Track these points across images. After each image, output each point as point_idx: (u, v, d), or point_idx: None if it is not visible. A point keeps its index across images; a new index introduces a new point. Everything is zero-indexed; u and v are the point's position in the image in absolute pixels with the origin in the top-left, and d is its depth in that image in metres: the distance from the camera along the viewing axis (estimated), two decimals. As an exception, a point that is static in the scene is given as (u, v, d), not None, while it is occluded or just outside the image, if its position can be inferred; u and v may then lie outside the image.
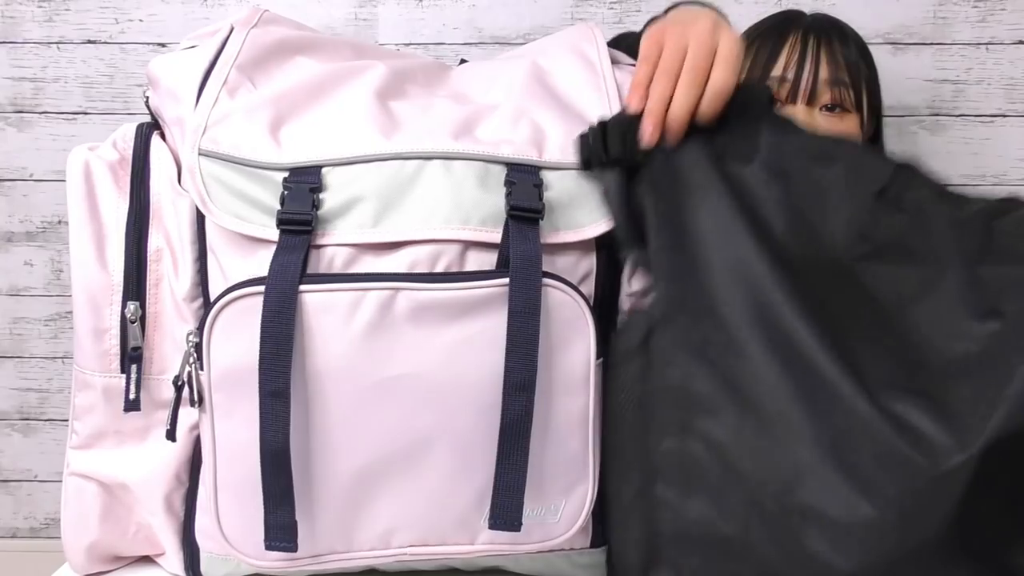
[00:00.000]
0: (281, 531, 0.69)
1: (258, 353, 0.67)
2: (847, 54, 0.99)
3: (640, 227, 0.73)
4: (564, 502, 0.74)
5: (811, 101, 0.97)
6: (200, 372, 0.71)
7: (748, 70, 0.99)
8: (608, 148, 0.72)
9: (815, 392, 0.64)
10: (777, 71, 0.98)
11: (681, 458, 0.67)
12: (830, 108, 0.98)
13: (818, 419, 0.63)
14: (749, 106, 0.72)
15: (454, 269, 0.71)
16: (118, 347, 0.78)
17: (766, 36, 1.00)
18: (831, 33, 1.00)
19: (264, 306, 0.67)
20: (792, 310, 0.65)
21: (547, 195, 0.73)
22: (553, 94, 0.80)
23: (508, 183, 0.73)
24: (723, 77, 0.71)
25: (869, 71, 1.02)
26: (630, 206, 0.73)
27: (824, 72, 0.97)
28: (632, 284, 0.76)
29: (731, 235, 0.68)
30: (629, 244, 0.73)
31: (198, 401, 0.72)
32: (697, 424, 0.67)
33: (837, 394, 0.63)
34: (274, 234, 0.70)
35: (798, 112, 0.96)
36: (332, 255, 0.70)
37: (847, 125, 0.99)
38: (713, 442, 0.66)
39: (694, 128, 0.72)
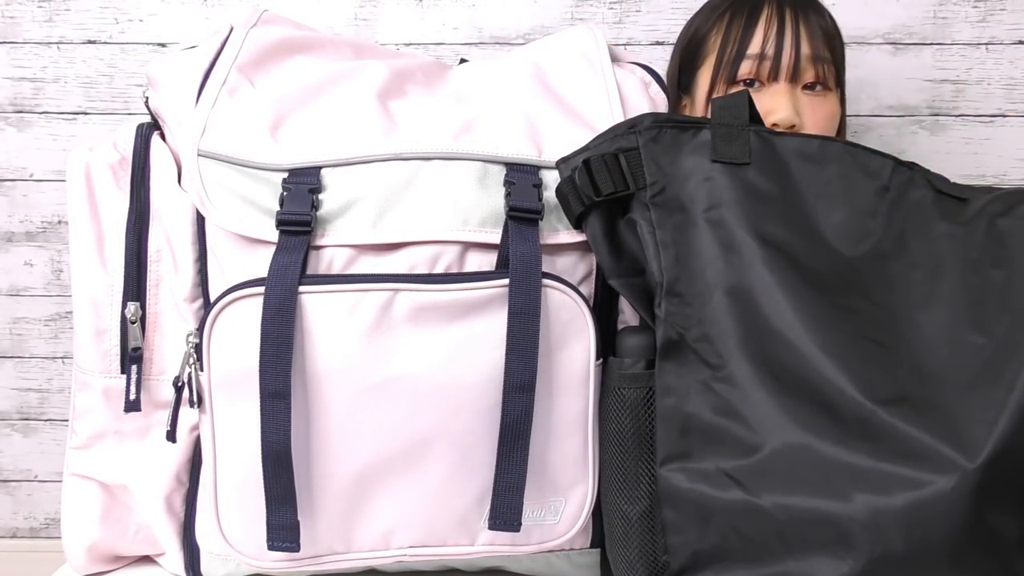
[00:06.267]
0: (283, 531, 0.69)
1: (258, 354, 0.67)
2: (824, 26, 0.92)
3: (629, 258, 0.72)
4: (564, 502, 0.74)
5: (794, 79, 0.90)
6: (200, 373, 0.71)
7: (721, 48, 0.91)
8: (597, 185, 0.70)
9: (816, 418, 0.64)
10: (755, 48, 0.90)
11: (685, 485, 0.67)
12: (812, 86, 0.91)
13: (817, 440, 0.63)
14: (734, 115, 0.71)
15: (454, 270, 0.71)
16: (118, 347, 0.78)
17: (736, 10, 0.92)
18: (806, 4, 0.92)
19: (264, 307, 0.67)
20: (795, 325, 0.65)
21: (547, 195, 0.73)
22: (553, 94, 0.80)
23: (507, 183, 0.73)
24: None
25: (841, 46, 0.95)
26: (617, 240, 0.72)
27: (806, 47, 0.89)
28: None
29: (731, 256, 0.68)
30: (618, 275, 0.72)
31: (198, 402, 0.72)
32: (698, 452, 0.67)
33: (839, 414, 0.63)
34: (273, 235, 0.70)
35: (780, 92, 0.89)
36: (331, 256, 0.70)
37: (829, 105, 0.92)
38: (714, 469, 0.66)
39: (689, 145, 0.71)
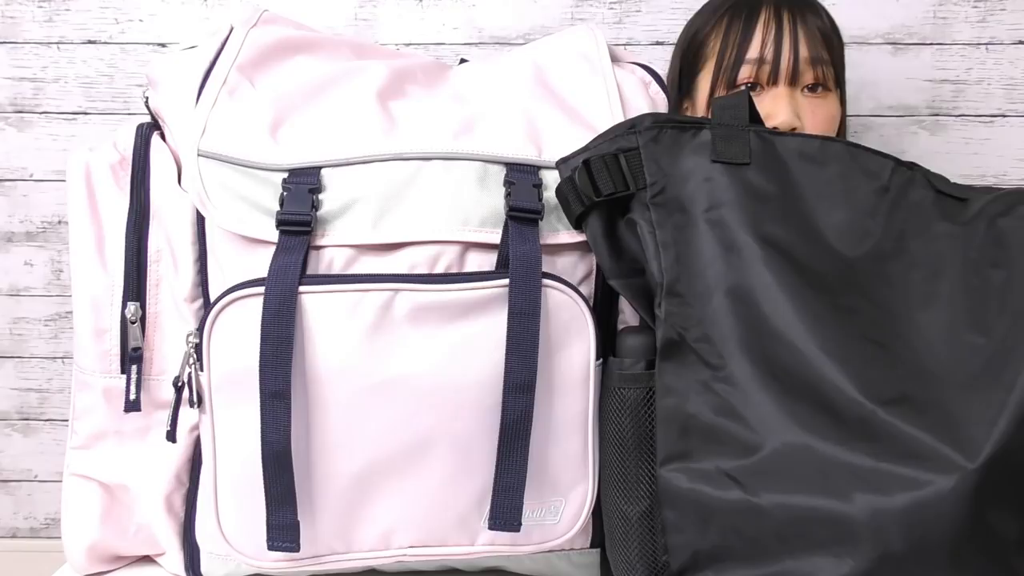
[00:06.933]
0: (283, 531, 0.69)
1: (258, 354, 0.67)
2: (822, 27, 0.92)
3: (629, 259, 0.72)
4: (564, 502, 0.74)
5: (793, 82, 0.90)
6: (200, 373, 0.71)
7: (720, 52, 0.91)
8: (597, 185, 0.70)
9: (816, 418, 0.64)
10: (753, 53, 0.90)
11: (685, 485, 0.67)
12: (812, 88, 0.91)
13: (817, 440, 0.63)
14: (734, 115, 0.71)
15: (454, 270, 0.71)
16: (118, 348, 0.78)
17: (734, 13, 0.92)
18: (803, 5, 0.92)
19: (264, 307, 0.67)
20: (795, 326, 0.65)
21: (547, 195, 0.73)
22: (553, 94, 0.80)
23: (507, 183, 0.73)
24: None
25: (840, 45, 0.96)
26: (617, 240, 0.72)
27: (804, 50, 0.90)
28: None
29: (731, 256, 0.67)
30: (618, 276, 0.72)
31: (198, 402, 0.72)
32: (698, 452, 0.67)
33: (840, 414, 0.63)
34: (274, 235, 0.70)
35: (780, 95, 0.89)
36: (332, 256, 0.70)
37: (829, 106, 0.92)
38: (714, 469, 0.66)
39: (689, 145, 0.71)
